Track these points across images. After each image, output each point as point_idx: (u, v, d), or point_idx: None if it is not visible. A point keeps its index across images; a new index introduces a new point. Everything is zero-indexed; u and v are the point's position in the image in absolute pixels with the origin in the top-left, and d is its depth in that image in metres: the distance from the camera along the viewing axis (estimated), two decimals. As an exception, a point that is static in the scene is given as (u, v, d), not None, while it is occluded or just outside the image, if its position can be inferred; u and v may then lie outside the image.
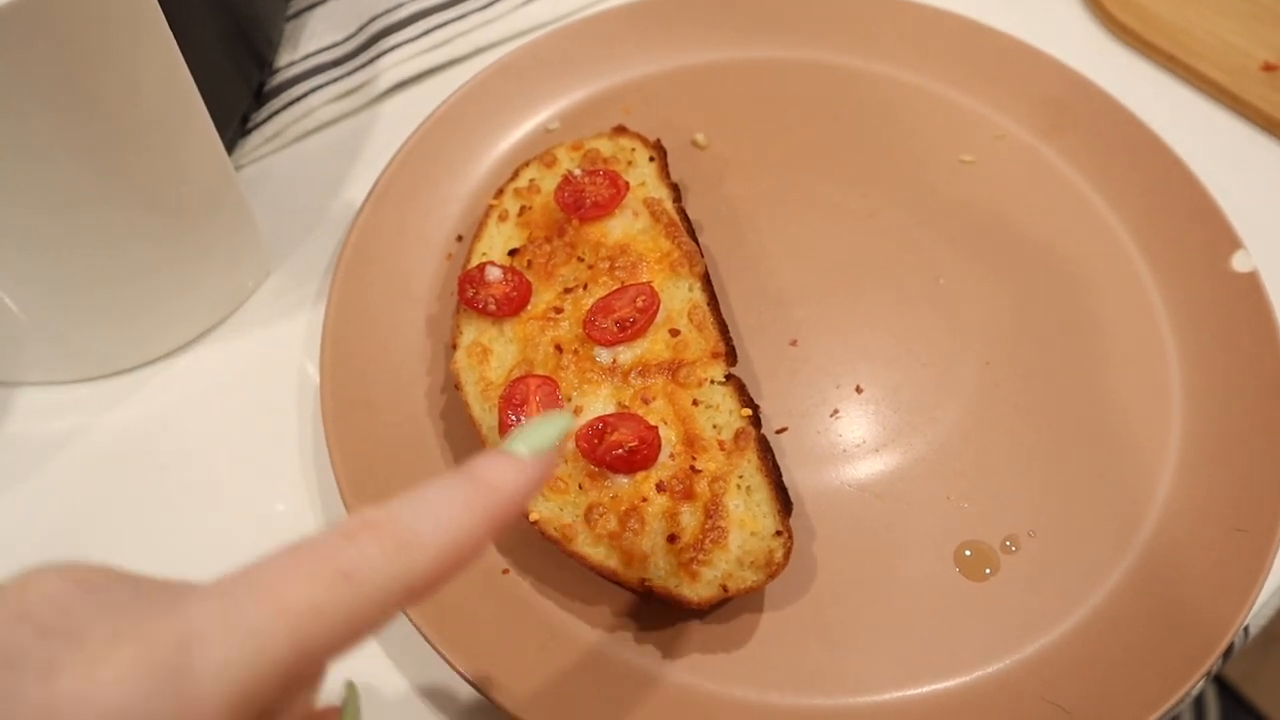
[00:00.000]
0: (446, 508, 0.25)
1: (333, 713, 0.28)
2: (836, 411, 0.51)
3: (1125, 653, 0.44)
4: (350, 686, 0.29)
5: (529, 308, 0.49)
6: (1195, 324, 0.53)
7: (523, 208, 0.53)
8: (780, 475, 0.44)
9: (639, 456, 0.43)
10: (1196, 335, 0.53)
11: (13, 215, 0.42)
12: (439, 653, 0.42)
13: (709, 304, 0.49)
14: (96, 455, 0.51)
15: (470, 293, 0.49)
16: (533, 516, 0.43)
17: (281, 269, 0.58)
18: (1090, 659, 0.44)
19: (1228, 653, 0.46)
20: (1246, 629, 0.48)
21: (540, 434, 0.28)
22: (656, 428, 0.44)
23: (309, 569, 0.22)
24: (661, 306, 0.48)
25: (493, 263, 0.50)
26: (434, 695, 0.45)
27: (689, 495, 0.43)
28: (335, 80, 0.64)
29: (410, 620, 0.43)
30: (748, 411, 0.45)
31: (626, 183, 0.52)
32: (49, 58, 0.37)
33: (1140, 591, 0.46)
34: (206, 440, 0.52)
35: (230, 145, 0.61)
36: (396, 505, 0.25)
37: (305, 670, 0.22)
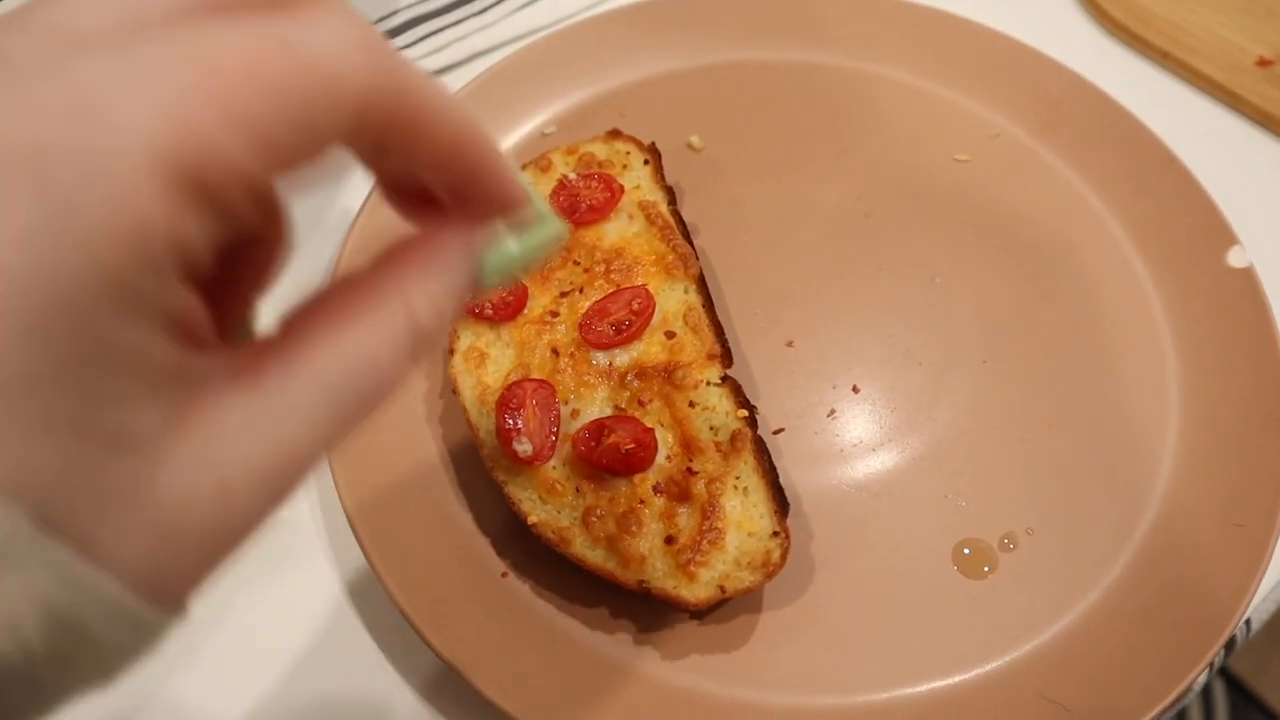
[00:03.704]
0: None
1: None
2: (833, 411, 0.51)
3: (1124, 649, 0.44)
4: None
5: (525, 312, 0.49)
6: (1191, 320, 0.53)
7: (519, 212, 0.53)
8: (777, 476, 0.44)
9: (636, 459, 0.43)
10: (1193, 331, 0.53)
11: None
12: (439, 656, 0.42)
13: (704, 306, 0.49)
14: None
15: (467, 298, 0.49)
16: (531, 519, 0.44)
17: (279, 277, 0.58)
18: (1089, 656, 0.44)
19: (1229, 648, 0.46)
20: (1248, 622, 0.48)
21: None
22: (653, 430, 0.44)
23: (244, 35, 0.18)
24: (657, 309, 0.48)
25: (489, 268, 0.50)
26: (435, 698, 0.45)
27: (686, 497, 0.43)
28: (332, 88, 0.64)
29: (410, 623, 0.43)
30: (744, 413, 0.46)
31: (621, 186, 0.52)
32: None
33: (1138, 588, 0.46)
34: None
35: (228, 154, 0.62)
36: None
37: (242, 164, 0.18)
